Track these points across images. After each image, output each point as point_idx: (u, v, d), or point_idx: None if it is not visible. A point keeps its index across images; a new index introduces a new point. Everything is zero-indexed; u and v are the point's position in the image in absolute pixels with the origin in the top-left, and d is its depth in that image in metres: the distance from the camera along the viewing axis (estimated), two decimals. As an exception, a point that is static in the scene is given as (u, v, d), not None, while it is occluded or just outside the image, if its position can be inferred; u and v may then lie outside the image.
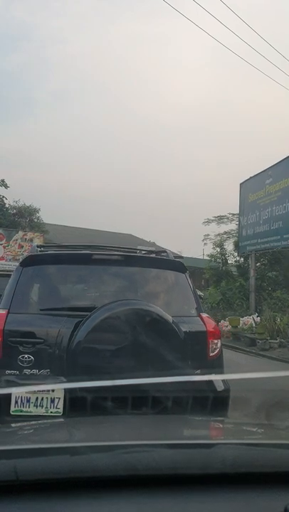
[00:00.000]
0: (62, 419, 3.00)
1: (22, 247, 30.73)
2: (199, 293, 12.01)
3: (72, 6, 61.33)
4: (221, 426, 2.18)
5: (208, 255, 28.43)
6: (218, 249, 24.21)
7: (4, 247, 29.83)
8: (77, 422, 2.38)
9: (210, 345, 3.41)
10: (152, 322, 3.00)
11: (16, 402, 3.08)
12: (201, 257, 53.93)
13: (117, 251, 4.09)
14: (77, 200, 56.61)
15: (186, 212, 62.72)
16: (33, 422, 2.71)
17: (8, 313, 3.27)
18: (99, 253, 3.82)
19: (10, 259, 30.52)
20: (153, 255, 4.30)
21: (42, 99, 59.94)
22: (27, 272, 3.53)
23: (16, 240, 30.48)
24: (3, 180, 31.92)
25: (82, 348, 3.04)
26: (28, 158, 54.34)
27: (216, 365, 3.46)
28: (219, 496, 1.21)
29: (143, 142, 70.75)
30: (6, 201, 32.46)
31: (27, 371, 3.17)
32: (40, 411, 3.12)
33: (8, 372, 3.15)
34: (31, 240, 30.93)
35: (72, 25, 63.47)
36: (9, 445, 1.43)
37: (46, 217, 34.42)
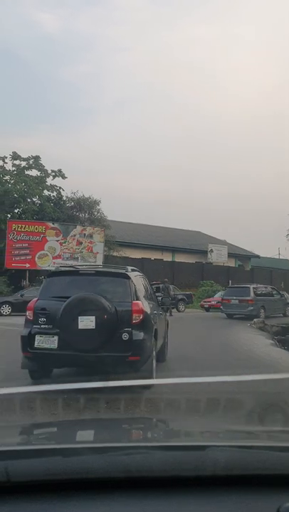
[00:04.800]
0: (55, 421, 3.84)
1: (81, 243, 26.54)
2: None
3: (132, 13, 61.74)
4: (214, 428, 2.21)
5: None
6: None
7: (61, 243, 25.92)
8: (70, 423, 2.59)
9: (133, 317, 6.35)
10: (94, 302, 6.23)
11: (37, 341, 6.40)
12: (277, 257, 47.76)
13: (96, 269, 7.62)
14: (144, 201, 55.28)
15: (259, 211, 58.62)
16: (25, 423, 3.26)
17: (38, 299, 6.71)
18: (82, 270, 7.34)
19: (67, 258, 26.25)
20: (114, 270, 7.30)
21: (104, 108, 59.09)
22: (48, 280, 7.00)
23: (74, 235, 26.43)
24: (60, 170, 28.69)
25: (63, 313, 6.24)
26: (91, 163, 53.57)
27: (137, 327, 6.34)
28: (212, 498, 1.21)
29: (210, 142, 67.54)
30: (63, 193, 29.24)
31: (43, 325, 6.44)
32: (46, 346, 6.38)
33: (35, 326, 6.44)
34: (91, 236, 26.75)
35: (133, 33, 62.04)
36: (0, 446, 1.41)
37: (109, 215, 31.17)
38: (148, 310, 6.80)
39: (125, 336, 6.22)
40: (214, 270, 35.70)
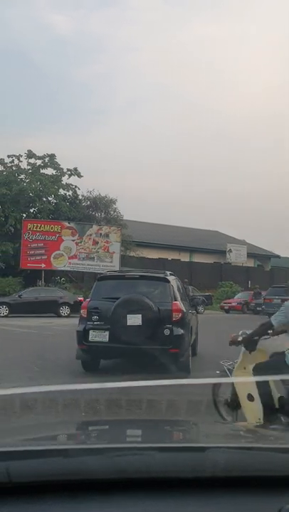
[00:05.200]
0: (56, 421, 4.02)
1: (97, 243, 25.88)
2: None
3: (143, 13, 62.53)
4: (213, 429, 2.21)
5: None
6: None
7: (77, 243, 25.31)
8: (71, 424, 2.62)
9: (173, 315, 7.25)
10: (141, 302, 7.16)
11: (91, 335, 7.35)
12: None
13: (139, 273, 8.57)
14: (159, 201, 55.00)
15: (279, 210, 57.68)
16: (27, 423, 3.43)
17: (90, 300, 7.76)
18: (128, 274, 8.52)
19: (83, 258, 25.63)
20: (156, 274, 8.22)
21: (116, 108, 59.07)
22: (98, 283, 8.01)
23: (90, 235, 25.81)
24: (75, 169, 28.18)
25: (113, 311, 7.11)
26: (103, 164, 53.67)
27: (177, 324, 7.24)
28: (211, 500, 1.21)
29: (225, 140, 66.84)
30: (78, 191, 28.71)
31: (96, 322, 7.33)
32: (99, 340, 7.32)
33: (89, 322, 7.37)
34: (107, 235, 26.07)
35: (144, 33, 64.75)
36: (2, 447, 1.43)
37: (124, 215, 30.53)
38: (185, 309, 7.75)
39: (166, 332, 7.18)
40: (233, 271, 34.81)
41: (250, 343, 4.62)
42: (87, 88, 63.18)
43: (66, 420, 4.24)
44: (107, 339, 7.25)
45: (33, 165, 27.17)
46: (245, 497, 1.20)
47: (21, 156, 26.98)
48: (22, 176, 26.82)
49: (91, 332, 7.33)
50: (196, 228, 39.77)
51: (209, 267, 34.03)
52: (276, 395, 4.39)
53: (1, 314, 19.65)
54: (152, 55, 64.51)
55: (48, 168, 27.55)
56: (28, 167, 27.14)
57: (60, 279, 26.14)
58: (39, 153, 27.25)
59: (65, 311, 20.49)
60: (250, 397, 4.43)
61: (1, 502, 1.15)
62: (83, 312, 7.57)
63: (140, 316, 7.06)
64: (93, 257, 25.85)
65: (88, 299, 7.92)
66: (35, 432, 1.97)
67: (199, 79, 69.18)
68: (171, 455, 1.34)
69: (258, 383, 4.34)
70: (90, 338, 7.30)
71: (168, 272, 8.27)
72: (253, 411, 4.41)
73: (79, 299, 21.16)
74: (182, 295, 8.39)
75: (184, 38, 64.02)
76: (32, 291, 21.39)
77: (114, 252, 26.11)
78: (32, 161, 27.19)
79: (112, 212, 28.11)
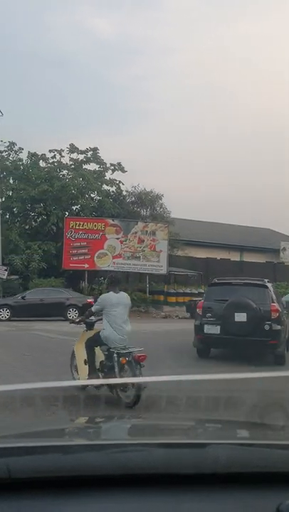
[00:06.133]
0: (56, 418, 4.07)
1: (143, 241, 24.02)
2: None
3: (180, 14, 60.68)
4: (214, 426, 2.21)
5: None
6: None
7: (121, 241, 23.57)
8: (72, 421, 2.72)
9: (271, 314, 9.08)
10: (246, 303, 9.06)
11: (206, 328, 9.41)
12: None
13: (243, 281, 10.40)
14: (207, 198, 53.27)
15: None
16: (27, 420, 3.39)
17: (204, 301, 9.92)
18: (234, 281, 10.33)
19: (128, 257, 23.79)
20: (257, 282, 10.04)
21: (158, 108, 58.14)
22: (210, 288, 10.50)
23: (135, 232, 23.99)
24: (119, 164, 26.62)
25: (224, 310, 9.16)
26: (146, 164, 52.65)
27: (275, 321, 9.02)
28: (212, 495, 1.21)
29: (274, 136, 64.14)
30: (122, 187, 27.16)
31: (210, 318, 9.39)
32: (212, 332, 9.36)
33: (204, 318, 9.48)
34: (154, 233, 24.16)
35: (183, 33, 63.59)
36: (2, 443, 1.42)
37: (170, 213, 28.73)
38: (281, 309, 9.53)
39: (267, 327, 8.96)
40: (287, 270, 32.26)
41: (87, 324, 6.69)
42: (127, 89, 62.30)
43: (66, 416, 4.49)
44: (218, 332, 9.25)
45: (75, 160, 25.92)
46: (244, 493, 1.22)
47: (63, 150, 25.79)
48: (64, 172, 25.60)
49: (206, 326, 9.42)
50: (247, 226, 37.42)
51: (261, 267, 31.58)
52: (99, 359, 6.29)
53: (3, 318, 18.16)
54: (193, 54, 62.94)
55: (91, 164, 26.23)
56: (70, 162, 25.92)
57: (104, 279, 24.66)
58: (81, 148, 25.99)
59: (72, 314, 18.46)
60: (86, 362, 6.41)
61: (1, 498, 1.15)
62: (199, 311, 9.81)
63: (245, 314, 8.97)
64: (139, 256, 24.18)
65: (201, 301, 10.14)
66: (35, 428, 1.97)
67: (243, 77, 66.80)
68: (172, 451, 1.35)
69: (87, 352, 6.36)
70: (205, 331, 9.42)
71: (266, 280, 10.25)
72: (84, 371, 6.39)
73: (88, 300, 19.98)
74: (277, 298, 10.13)
75: (225, 37, 61.85)
76: (36, 292, 19.79)
77: (161, 251, 24.27)
78: (74, 156, 25.98)
79: (158, 209, 26.33)
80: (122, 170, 26.55)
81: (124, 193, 26.98)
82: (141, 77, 62.45)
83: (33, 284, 22.16)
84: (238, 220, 43.15)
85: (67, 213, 25.20)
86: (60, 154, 25.76)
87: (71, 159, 25.93)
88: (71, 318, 18.49)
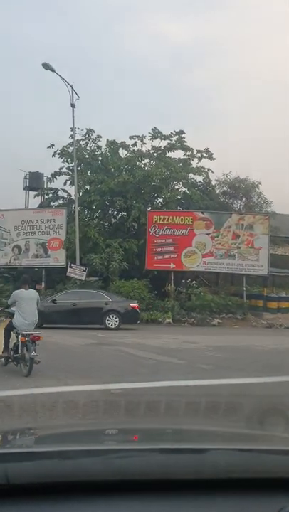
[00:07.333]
0: (54, 423, 4.00)
1: (238, 236, 20.27)
2: None
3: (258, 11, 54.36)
4: (213, 431, 2.19)
5: None
6: None
7: (212, 237, 19.97)
8: (70, 426, 2.72)
9: None
10: None
11: None
12: None
13: None
14: None
15: None
16: (25, 426, 3.33)
17: None
18: None
19: (221, 256, 20.05)
20: None
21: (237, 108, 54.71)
22: None
23: (229, 226, 20.31)
24: (207, 150, 23.24)
25: None
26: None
27: None
28: (211, 501, 1.20)
29: None
30: (211, 176, 23.71)
31: None
32: None
33: None
34: (251, 227, 20.29)
35: (262, 32, 57.81)
36: (0, 449, 1.45)
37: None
38: None
39: None
40: None
41: (8, 313, 8.54)
42: (203, 92, 59.15)
43: (64, 422, 4.52)
44: None
45: (157, 149, 23.06)
46: (244, 498, 1.21)
47: (145, 136, 23.00)
48: (146, 161, 22.81)
49: None
50: None
51: None
52: (13, 341, 8.17)
53: None
54: (271, 53, 58.41)
55: (175, 152, 23.20)
56: (152, 150, 23.07)
57: (192, 281, 21.44)
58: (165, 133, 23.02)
59: (112, 321, 15.90)
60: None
61: None
62: None
63: None
64: (233, 255, 20.62)
65: None
66: (33, 434, 1.95)
67: None
68: (171, 457, 1.34)
69: (5, 334, 8.28)
70: None
71: None
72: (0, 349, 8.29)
73: (131, 305, 16.71)
74: None
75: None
76: (68, 295, 16.92)
77: (260, 248, 20.47)
78: (156, 143, 23.10)
79: (255, 199, 22.56)
80: (211, 157, 23.15)
81: (213, 182, 23.55)
82: (217, 77, 59.30)
83: (113, 286, 19.52)
84: None
85: (149, 207, 22.36)
86: (142, 141, 22.98)
87: (153, 147, 23.10)
88: (110, 326, 16.04)
